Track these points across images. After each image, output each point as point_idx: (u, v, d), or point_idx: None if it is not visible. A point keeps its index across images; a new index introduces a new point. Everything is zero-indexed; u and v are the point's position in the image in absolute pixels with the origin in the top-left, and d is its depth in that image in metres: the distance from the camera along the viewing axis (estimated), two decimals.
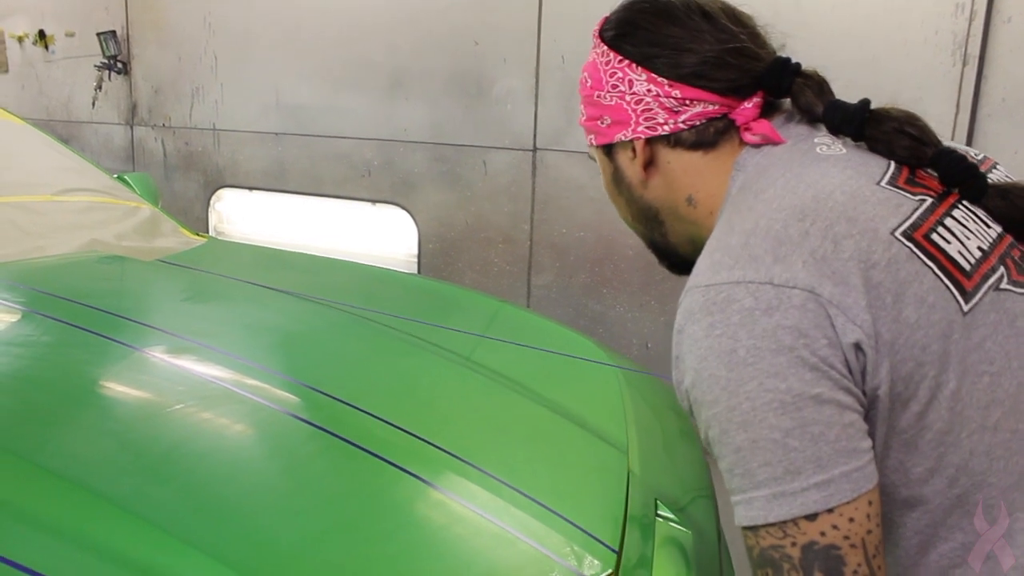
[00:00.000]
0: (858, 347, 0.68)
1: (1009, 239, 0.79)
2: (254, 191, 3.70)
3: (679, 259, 0.94)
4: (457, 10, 3.03)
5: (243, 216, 3.83)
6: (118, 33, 3.84)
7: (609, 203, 0.98)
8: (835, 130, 0.82)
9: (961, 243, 0.74)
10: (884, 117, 0.80)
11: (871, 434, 0.70)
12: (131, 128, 3.99)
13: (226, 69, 3.63)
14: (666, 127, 0.85)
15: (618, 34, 0.87)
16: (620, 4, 0.90)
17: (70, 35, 4.06)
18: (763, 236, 0.72)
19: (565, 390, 1.47)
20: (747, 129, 0.84)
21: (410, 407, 1.26)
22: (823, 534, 0.66)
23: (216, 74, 3.65)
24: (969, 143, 2.31)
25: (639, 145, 0.87)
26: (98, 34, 3.81)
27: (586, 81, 0.90)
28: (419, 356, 1.51)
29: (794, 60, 0.84)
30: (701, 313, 0.71)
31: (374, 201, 3.39)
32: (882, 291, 0.69)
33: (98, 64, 3.90)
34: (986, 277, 0.74)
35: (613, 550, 1.02)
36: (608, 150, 0.91)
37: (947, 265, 0.72)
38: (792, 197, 0.75)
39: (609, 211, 1.03)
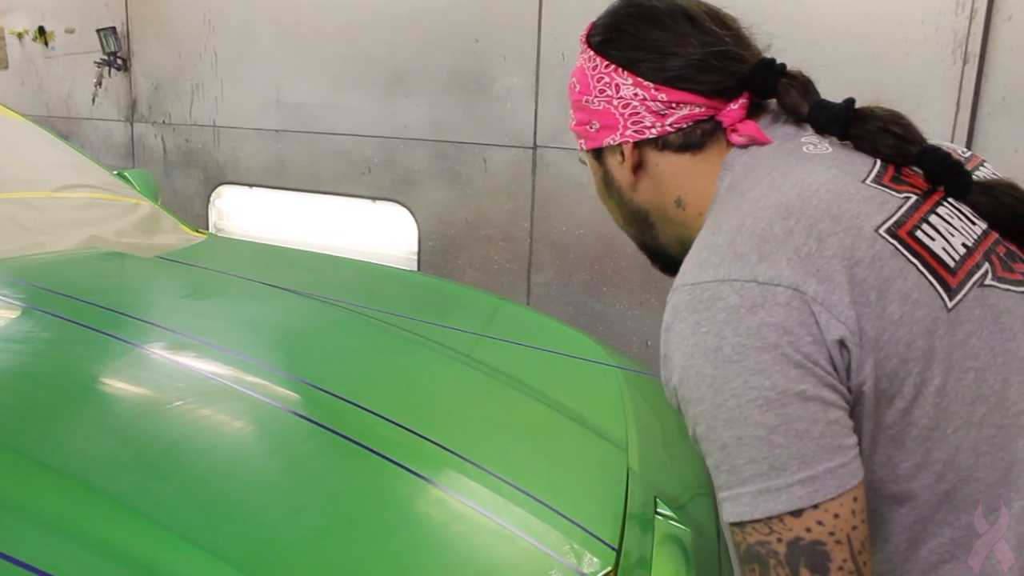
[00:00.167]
0: (842, 344, 0.68)
1: (994, 235, 0.79)
2: (254, 188, 3.69)
3: (671, 260, 0.95)
4: (457, 8, 3.03)
5: (243, 213, 3.83)
6: (118, 29, 3.84)
7: None
8: (820, 129, 0.83)
9: (946, 240, 0.75)
10: (869, 116, 0.81)
11: (857, 431, 0.70)
12: (131, 125, 3.98)
13: (226, 66, 3.62)
14: (653, 130, 0.86)
15: (604, 39, 0.88)
16: (606, 10, 0.91)
17: (70, 31, 4.06)
18: (748, 235, 0.73)
19: (565, 387, 1.47)
20: (734, 130, 0.85)
21: (410, 404, 1.26)
22: (808, 530, 0.66)
23: (216, 71, 3.65)
24: (969, 142, 2.31)
25: (627, 149, 0.88)
26: (98, 30, 3.81)
27: (574, 86, 0.91)
28: (419, 353, 1.51)
29: (784, 60, 0.85)
30: (687, 311, 0.71)
31: (374, 198, 3.39)
32: (866, 288, 0.69)
33: (98, 60, 3.90)
34: (971, 274, 0.74)
35: (612, 548, 1.02)
36: (598, 154, 0.93)
37: (931, 262, 0.73)
38: (777, 196, 0.75)
39: None
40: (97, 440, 1.05)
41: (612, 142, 0.89)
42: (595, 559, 0.99)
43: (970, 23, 2.26)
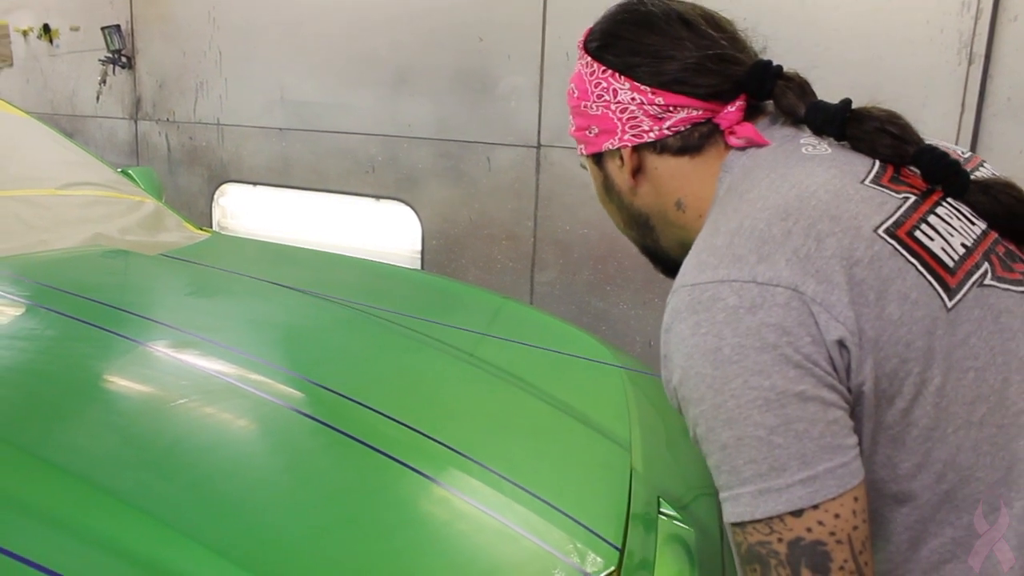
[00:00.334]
0: (842, 344, 0.68)
1: (993, 235, 0.79)
2: (258, 186, 3.70)
3: (672, 263, 0.95)
4: (462, 7, 3.03)
5: (247, 211, 3.83)
6: (122, 28, 3.84)
7: None
8: (818, 131, 0.84)
9: (945, 240, 0.75)
10: (865, 116, 0.81)
11: (858, 431, 0.70)
12: (135, 123, 3.99)
13: (230, 64, 3.63)
14: (651, 134, 0.86)
15: (601, 45, 0.89)
16: (603, 15, 0.91)
17: (75, 29, 4.06)
18: (747, 235, 0.73)
19: (568, 387, 1.47)
20: (731, 133, 0.85)
21: (414, 403, 1.26)
22: (809, 530, 0.66)
23: (220, 69, 3.65)
24: (974, 143, 2.30)
25: (626, 153, 0.88)
26: (102, 28, 3.81)
27: (573, 92, 0.92)
28: (423, 352, 1.51)
29: (789, 61, 0.86)
30: (687, 312, 0.71)
31: (378, 197, 3.39)
32: (865, 288, 0.70)
33: (102, 58, 3.90)
34: (970, 273, 0.74)
35: (616, 547, 1.02)
36: (597, 159, 0.93)
37: (930, 262, 0.73)
38: (776, 197, 0.76)
39: None
40: (101, 437, 1.05)
41: (611, 146, 0.89)
42: (598, 558, 0.99)
43: (975, 24, 2.26)
